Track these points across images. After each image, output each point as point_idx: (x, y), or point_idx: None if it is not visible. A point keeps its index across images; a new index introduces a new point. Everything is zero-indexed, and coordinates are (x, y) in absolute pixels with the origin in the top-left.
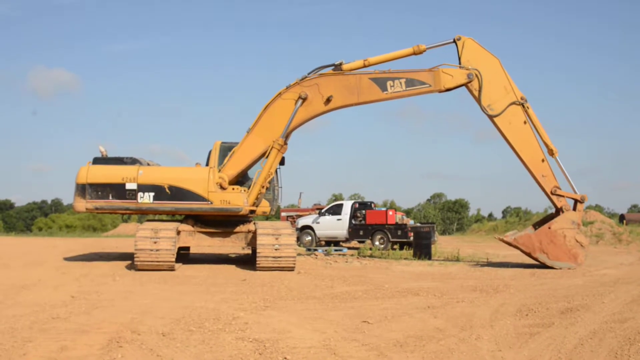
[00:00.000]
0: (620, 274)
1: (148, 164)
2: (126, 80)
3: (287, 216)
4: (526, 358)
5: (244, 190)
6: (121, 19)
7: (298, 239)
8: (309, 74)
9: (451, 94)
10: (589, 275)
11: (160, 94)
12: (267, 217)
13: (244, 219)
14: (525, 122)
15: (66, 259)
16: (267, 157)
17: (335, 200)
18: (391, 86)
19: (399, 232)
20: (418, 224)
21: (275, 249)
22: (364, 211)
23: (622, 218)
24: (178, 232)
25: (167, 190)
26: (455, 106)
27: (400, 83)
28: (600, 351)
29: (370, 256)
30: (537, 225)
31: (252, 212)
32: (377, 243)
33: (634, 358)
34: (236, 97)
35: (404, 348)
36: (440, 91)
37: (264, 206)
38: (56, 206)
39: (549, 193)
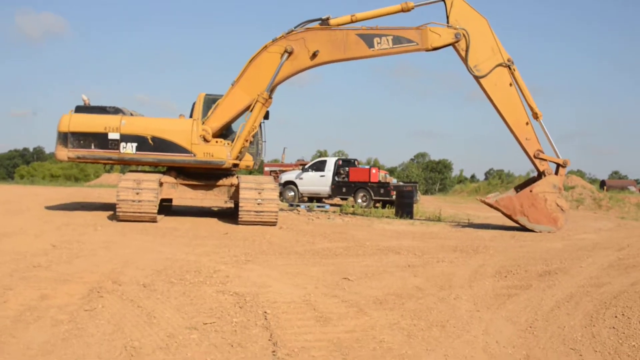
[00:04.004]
0: (599, 239)
1: (131, 114)
2: (116, 27)
3: (271, 171)
4: (503, 319)
5: (228, 144)
6: None
7: (281, 194)
8: (295, 27)
9: (442, 53)
10: (568, 240)
11: (150, 41)
12: (250, 172)
13: (227, 172)
14: (510, 84)
15: (48, 207)
16: (251, 110)
17: (320, 156)
18: (378, 43)
19: (382, 191)
20: (401, 183)
21: (258, 204)
22: (347, 168)
23: (602, 184)
24: (160, 184)
25: (150, 141)
26: (449, 64)
27: (387, 40)
28: (576, 314)
29: (353, 213)
30: (519, 188)
31: (235, 165)
32: (359, 201)
33: (609, 322)
34: (226, 49)
35: (383, 305)
36: (427, 50)
37: (247, 160)
38: (38, 154)
39: (532, 156)
